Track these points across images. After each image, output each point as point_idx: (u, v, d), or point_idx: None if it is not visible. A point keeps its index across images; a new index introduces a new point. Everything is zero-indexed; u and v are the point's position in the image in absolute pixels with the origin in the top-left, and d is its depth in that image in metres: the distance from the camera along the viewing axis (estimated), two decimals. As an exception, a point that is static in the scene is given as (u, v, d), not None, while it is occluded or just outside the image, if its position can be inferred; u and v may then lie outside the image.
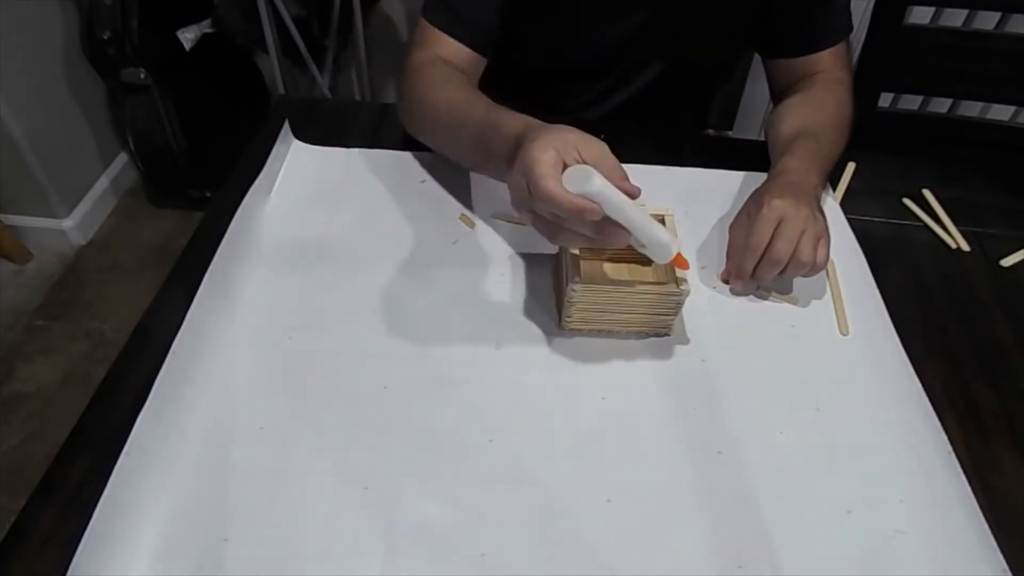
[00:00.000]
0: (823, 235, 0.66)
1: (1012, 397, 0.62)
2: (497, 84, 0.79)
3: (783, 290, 0.69)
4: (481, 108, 0.68)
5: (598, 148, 0.55)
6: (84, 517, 0.49)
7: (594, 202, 0.50)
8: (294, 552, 0.49)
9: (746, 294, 0.69)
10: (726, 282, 0.70)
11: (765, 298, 0.69)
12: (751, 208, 0.70)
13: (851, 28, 0.86)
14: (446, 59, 0.78)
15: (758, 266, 0.66)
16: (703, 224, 0.76)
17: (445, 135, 0.75)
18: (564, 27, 0.85)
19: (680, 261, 0.58)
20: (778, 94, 0.90)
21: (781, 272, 0.65)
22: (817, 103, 0.82)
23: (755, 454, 0.56)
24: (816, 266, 0.64)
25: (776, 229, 0.65)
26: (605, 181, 0.51)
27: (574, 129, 0.56)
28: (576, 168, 0.52)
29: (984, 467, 0.57)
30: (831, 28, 0.84)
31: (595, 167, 0.52)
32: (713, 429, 0.58)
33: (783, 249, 0.64)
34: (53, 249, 1.78)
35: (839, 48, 0.85)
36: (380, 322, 0.64)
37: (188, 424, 0.55)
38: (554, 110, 0.95)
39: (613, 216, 0.52)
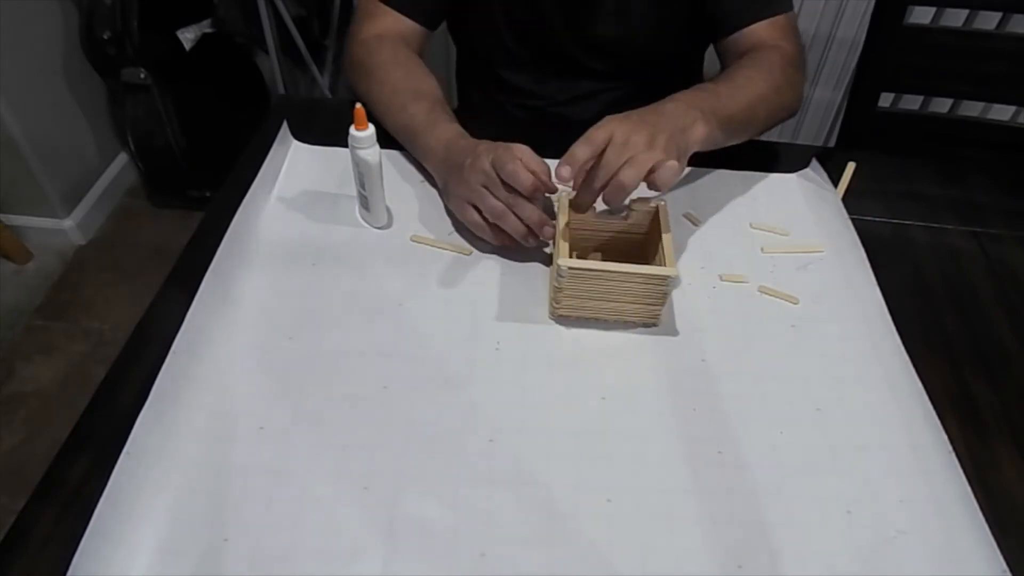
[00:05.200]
0: (654, 162, 0.61)
1: (1012, 397, 0.62)
2: (480, 80, 0.80)
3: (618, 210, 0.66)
4: (426, 104, 0.77)
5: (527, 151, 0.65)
6: (84, 517, 0.49)
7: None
8: (294, 552, 0.49)
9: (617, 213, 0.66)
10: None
11: (765, 297, 0.69)
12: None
13: (790, 6, 0.83)
14: (394, 31, 0.84)
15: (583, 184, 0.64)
16: (702, 224, 0.76)
17: (388, 112, 0.81)
18: (501, 15, 0.89)
19: None
20: None
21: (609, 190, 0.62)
22: (735, 67, 0.79)
23: (755, 454, 0.56)
24: (655, 183, 0.61)
25: (604, 152, 0.61)
26: None
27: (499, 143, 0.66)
28: None
29: (984, 467, 0.57)
30: (763, 2, 0.82)
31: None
32: (713, 429, 0.58)
33: (602, 176, 0.61)
34: (53, 249, 1.78)
35: (777, 20, 0.82)
36: (380, 322, 0.64)
37: (188, 424, 0.55)
38: (543, 106, 0.97)
39: None
